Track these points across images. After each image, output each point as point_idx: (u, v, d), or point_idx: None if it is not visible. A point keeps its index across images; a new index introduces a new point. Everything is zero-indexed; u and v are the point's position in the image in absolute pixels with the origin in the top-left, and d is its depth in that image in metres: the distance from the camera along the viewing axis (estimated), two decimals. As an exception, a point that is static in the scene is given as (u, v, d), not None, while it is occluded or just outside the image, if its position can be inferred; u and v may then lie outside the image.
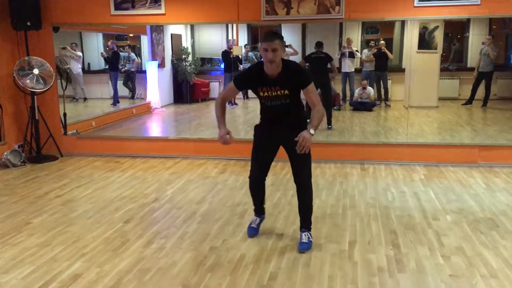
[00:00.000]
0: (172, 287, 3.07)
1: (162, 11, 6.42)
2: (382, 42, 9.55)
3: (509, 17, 7.08)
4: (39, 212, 4.54)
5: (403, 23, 9.57)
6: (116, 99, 9.53)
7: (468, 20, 9.94)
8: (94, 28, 8.44)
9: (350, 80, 9.49)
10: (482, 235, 3.86)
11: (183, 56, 10.80)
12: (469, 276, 3.17)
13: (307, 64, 7.82)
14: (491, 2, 5.77)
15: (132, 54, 10.16)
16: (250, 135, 6.96)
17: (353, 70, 9.40)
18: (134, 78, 10.11)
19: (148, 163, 6.40)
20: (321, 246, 3.67)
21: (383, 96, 9.67)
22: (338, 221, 4.22)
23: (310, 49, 8.54)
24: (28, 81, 6.27)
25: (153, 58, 10.16)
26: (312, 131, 3.31)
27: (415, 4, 5.96)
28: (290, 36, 9.49)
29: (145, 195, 5.04)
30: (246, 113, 10.20)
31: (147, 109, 9.81)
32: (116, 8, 6.52)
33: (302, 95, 3.50)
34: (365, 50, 9.83)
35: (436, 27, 8.77)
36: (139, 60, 10.40)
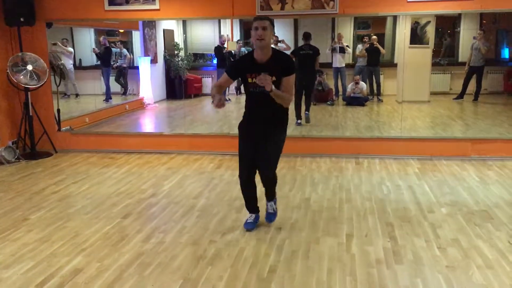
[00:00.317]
0: (173, 281, 3.10)
1: (157, 6, 6.41)
2: (374, 37, 9.61)
3: (501, 11, 7.15)
4: (36, 208, 4.53)
5: (395, 18, 9.62)
6: (108, 95, 9.49)
7: (459, 15, 10.02)
8: (86, 24, 8.39)
9: (342, 75, 9.53)
10: (477, 227, 3.92)
11: (175, 52, 10.78)
12: (465, 267, 3.23)
13: (294, 59, 7.83)
14: (482, -3, 5.84)
15: (124, 50, 10.11)
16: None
17: (344, 65, 9.44)
18: (126, 74, 10.06)
19: (144, 158, 6.40)
20: (319, 239, 3.71)
21: (375, 91, 9.73)
22: (335, 214, 4.26)
23: (302, 44, 8.55)
24: (22, 77, 6.24)
25: (146, 53, 10.12)
26: (273, 88, 3.44)
27: (409, -1, 6.02)
28: (283, 31, 9.51)
29: (142, 190, 5.05)
30: (239, 108, 10.20)
31: (140, 105, 9.78)
32: (110, 4, 6.50)
33: None
34: (359, 45, 9.87)
35: (428, 22, 8.83)
36: (131, 56, 10.35)
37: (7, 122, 6.70)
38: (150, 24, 10.05)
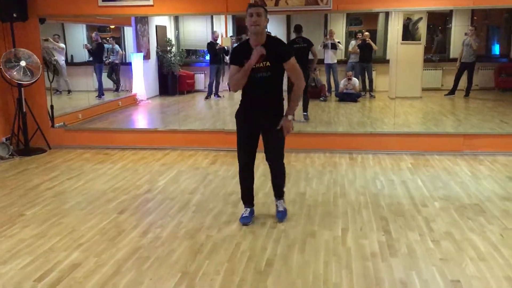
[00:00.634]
0: (171, 275, 3.12)
1: (151, 2, 6.40)
2: (367, 33, 9.66)
3: (492, 8, 7.22)
4: (31, 204, 4.53)
5: (387, 14, 9.67)
6: (101, 92, 9.46)
7: (451, 11, 10.10)
8: (79, 20, 8.35)
9: (334, 71, 9.58)
10: (470, 220, 3.98)
11: (168, 48, 10.76)
12: (458, 260, 3.29)
13: None
14: (475, -7, 5.91)
15: (116, 46, 10.07)
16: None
17: (335, 61, 9.48)
18: (118, 70, 10.03)
19: (138, 154, 6.41)
20: (315, 233, 3.76)
21: (367, 87, 9.79)
22: (330, 208, 4.31)
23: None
24: (15, 73, 6.21)
25: (138, 50, 10.10)
26: (290, 117, 3.67)
27: (402, -4, 6.06)
28: (275, 27, 9.51)
29: (137, 186, 5.06)
30: (233, 104, 10.21)
31: (133, 101, 9.77)
32: (104, -1, 6.49)
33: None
34: (353, 41, 9.92)
35: (420, 19, 8.89)
36: (123, 52, 10.32)
37: (1, 118, 6.67)
38: (142, 20, 10.02)
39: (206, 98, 10.04)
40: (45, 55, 6.92)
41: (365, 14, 10.59)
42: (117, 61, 9.94)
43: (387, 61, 9.19)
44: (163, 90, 10.68)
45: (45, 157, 6.37)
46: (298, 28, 7.72)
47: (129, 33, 10.22)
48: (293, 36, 8.09)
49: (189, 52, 11.68)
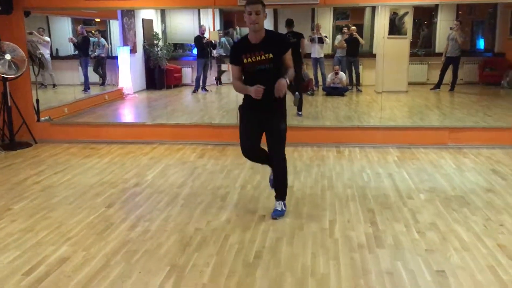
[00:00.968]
0: (160, 267, 3.14)
1: (137, -5, 6.37)
2: (353, 27, 9.71)
3: (477, 3, 7.31)
4: (18, 199, 4.50)
5: (373, 9, 9.74)
6: (87, 85, 9.39)
7: (436, 6, 10.20)
8: (64, 13, 8.27)
9: (321, 65, 9.62)
10: (454, 212, 4.05)
11: (155, 42, 10.70)
12: (443, 250, 3.35)
13: None
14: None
15: (102, 40, 9.99)
16: (226, 120, 7.07)
17: (322, 55, 9.52)
18: (104, 64, 9.95)
19: (126, 148, 6.38)
20: (303, 225, 3.79)
21: (354, 81, 9.87)
22: (317, 201, 4.35)
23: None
24: (0, 66, 6.14)
25: (125, 43, 10.03)
26: (283, 80, 3.63)
27: (388, -10, 6.11)
28: (263, 21, 9.51)
29: (125, 180, 5.06)
30: (220, 98, 10.23)
31: (120, 95, 9.71)
32: (90, -8, 6.43)
33: None
34: (339, 36, 9.96)
35: (406, 13, 8.97)
36: (108, 46, 10.24)
37: (-15, 112, 6.59)
38: (129, 14, 9.96)
39: (194, 92, 10.03)
40: (30, 49, 6.84)
41: (352, 8, 10.66)
42: (103, 55, 9.87)
43: (374, 56, 9.27)
44: (150, 84, 10.64)
45: (31, 152, 6.32)
46: (290, 23, 7.65)
47: (115, 26, 10.15)
48: (282, 29, 8.10)
49: (176, 46, 11.64)
